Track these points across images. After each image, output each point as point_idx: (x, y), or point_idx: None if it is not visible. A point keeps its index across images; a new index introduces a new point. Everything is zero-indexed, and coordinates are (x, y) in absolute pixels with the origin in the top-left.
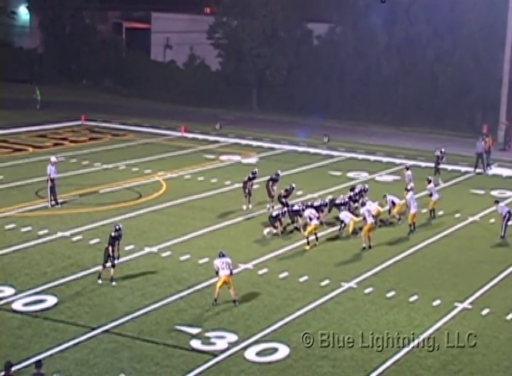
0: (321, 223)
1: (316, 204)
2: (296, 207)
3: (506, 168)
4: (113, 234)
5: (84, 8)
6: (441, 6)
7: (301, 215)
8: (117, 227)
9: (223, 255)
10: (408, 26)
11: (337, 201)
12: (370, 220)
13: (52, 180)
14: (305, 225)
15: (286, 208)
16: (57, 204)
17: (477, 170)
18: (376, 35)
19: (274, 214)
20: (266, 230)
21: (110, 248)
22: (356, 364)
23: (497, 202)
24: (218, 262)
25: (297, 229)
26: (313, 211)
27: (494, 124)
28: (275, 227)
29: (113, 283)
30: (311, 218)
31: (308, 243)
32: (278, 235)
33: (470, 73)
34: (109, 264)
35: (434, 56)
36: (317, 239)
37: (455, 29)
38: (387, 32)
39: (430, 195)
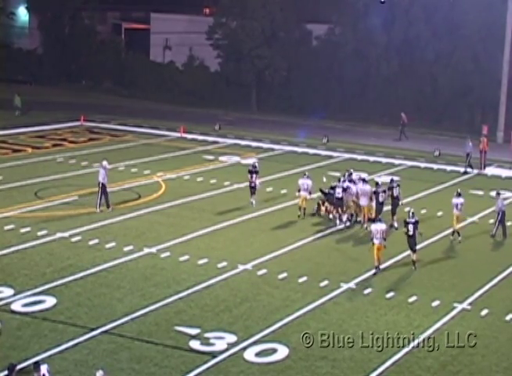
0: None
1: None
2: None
3: (505, 168)
4: None
5: (83, 8)
6: (441, 7)
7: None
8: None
9: (379, 220)
10: (407, 27)
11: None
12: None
13: (104, 185)
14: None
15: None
16: (108, 207)
17: (465, 169)
18: (375, 36)
19: (339, 196)
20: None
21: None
22: (355, 365)
23: (498, 194)
24: (373, 228)
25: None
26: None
27: (493, 125)
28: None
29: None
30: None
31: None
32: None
33: (470, 74)
34: None
35: (434, 57)
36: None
37: (454, 30)
38: (386, 33)
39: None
